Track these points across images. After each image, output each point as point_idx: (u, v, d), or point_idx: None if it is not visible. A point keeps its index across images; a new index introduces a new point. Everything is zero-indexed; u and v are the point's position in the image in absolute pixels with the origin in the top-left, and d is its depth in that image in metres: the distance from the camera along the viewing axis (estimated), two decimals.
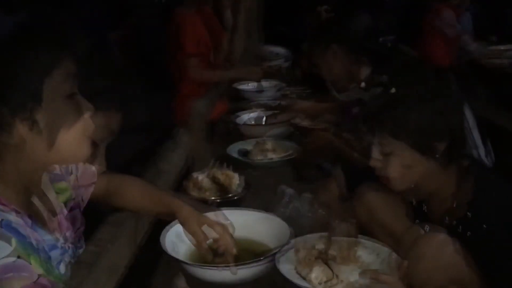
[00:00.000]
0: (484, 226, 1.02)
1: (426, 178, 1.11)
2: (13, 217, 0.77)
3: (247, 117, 2.48)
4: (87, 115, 0.83)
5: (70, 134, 0.82)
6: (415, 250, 1.04)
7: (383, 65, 1.75)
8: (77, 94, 0.83)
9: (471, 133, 1.70)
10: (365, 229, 1.32)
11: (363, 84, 1.83)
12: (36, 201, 0.88)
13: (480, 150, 1.72)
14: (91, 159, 0.97)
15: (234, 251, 1.13)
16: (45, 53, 0.79)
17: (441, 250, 1.02)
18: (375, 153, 1.12)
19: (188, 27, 2.60)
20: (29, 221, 0.81)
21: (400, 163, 1.09)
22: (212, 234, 1.14)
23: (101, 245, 1.03)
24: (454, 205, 1.09)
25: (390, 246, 1.23)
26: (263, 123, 2.43)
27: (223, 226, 1.14)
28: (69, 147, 0.82)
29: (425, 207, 1.20)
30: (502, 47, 4.03)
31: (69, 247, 0.92)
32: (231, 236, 1.15)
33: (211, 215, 1.17)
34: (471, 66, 3.86)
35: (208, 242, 1.15)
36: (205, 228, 1.13)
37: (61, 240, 0.90)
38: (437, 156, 1.07)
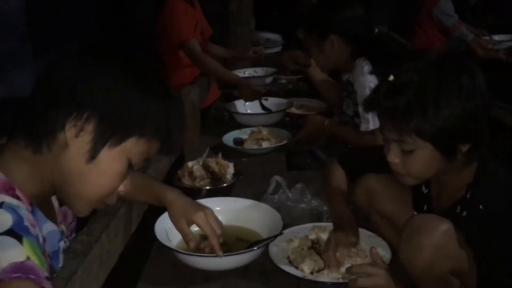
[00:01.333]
0: (480, 207, 1.03)
1: (439, 172, 1.09)
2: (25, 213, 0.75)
3: (243, 105, 2.46)
4: (133, 138, 0.80)
5: (112, 153, 0.79)
6: (416, 239, 1.04)
7: (378, 56, 1.74)
8: None
9: None
10: (365, 216, 1.32)
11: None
12: (54, 200, 0.88)
13: None
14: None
15: (220, 240, 1.15)
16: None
17: (443, 240, 1.02)
18: (394, 150, 1.06)
19: (183, 14, 2.57)
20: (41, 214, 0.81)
21: (420, 162, 1.05)
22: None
23: (94, 234, 1.03)
24: (457, 190, 1.09)
25: (389, 236, 1.24)
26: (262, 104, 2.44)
27: (211, 228, 1.14)
28: (107, 167, 0.80)
29: (427, 190, 1.19)
30: (496, 38, 4.02)
31: (65, 241, 0.92)
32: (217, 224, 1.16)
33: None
34: (467, 57, 3.85)
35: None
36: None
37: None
38: (458, 157, 1.04)
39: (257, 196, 1.49)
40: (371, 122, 1.69)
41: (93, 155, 0.77)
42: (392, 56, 1.78)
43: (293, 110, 2.47)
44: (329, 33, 1.79)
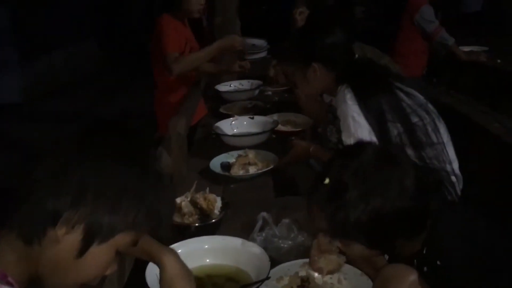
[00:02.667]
0: (438, 262, 1.05)
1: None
2: None
3: (229, 124, 2.49)
4: (123, 233, 0.81)
5: (100, 248, 0.80)
6: (378, 280, 1.10)
7: (360, 81, 1.76)
8: None
9: (445, 149, 1.74)
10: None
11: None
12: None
13: (454, 164, 1.76)
14: None
15: None
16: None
17: (401, 280, 1.05)
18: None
19: (172, 30, 2.61)
20: None
21: (359, 255, 1.11)
22: None
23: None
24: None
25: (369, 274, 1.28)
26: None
27: None
28: (95, 260, 0.80)
29: None
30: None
31: None
32: None
33: None
34: (448, 61, 3.91)
35: None
36: None
37: None
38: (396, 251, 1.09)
39: (246, 227, 1.53)
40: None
41: (82, 252, 0.79)
42: (374, 81, 1.80)
43: (280, 127, 2.50)
44: (311, 61, 1.80)
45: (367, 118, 1.67)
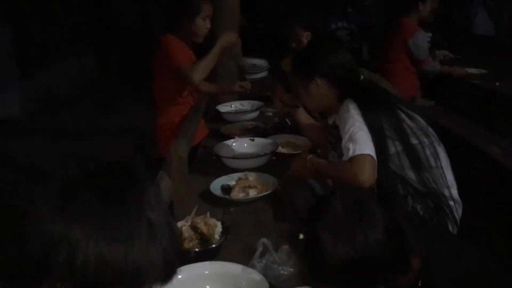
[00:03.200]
0: None
1: None
2: None
3: (230, 146, 2.50)
4: None
5: None
6: None
7: (364, 100, 1.77)
8: None
9: (444, 173, 1.75)
10: None
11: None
12: None
13: (452, 189, 1.77)
14: None
15: None
16: None
17: None
18: None
19: (180, 47, 2.63)
20: None
21: None
22: None
23: None
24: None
25: None
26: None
27: None
28: None
29: None
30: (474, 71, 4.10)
31: None
32: None
33: None
34: (445, 82, 3.95)
35: None
36: None
37: None
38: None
39: (246, 252, 1.53)
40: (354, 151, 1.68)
41: None
42: (377, 100, 1.81)
43: (280, 149, 2.52)
44: (314, 76, 1.82)
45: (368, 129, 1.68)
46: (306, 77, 1.87)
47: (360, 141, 1.65)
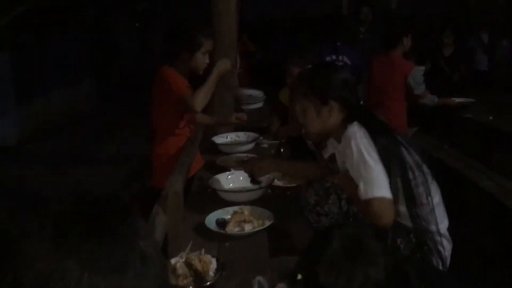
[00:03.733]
0: None
1: None
2: None
3: (225, 178, 2.51)
4: None
5: None
6: None
7: (369, 123, 1.78)
8: None
9: (434, 210, 1.74)
10: None
11: None
12: None
13: (441, 225, 1.76)
14: None
15: None
16: None
17: None
18: None
19: (180, 78, 2.65)
20: None
21: None
22: None
23: None
24: None
25: None
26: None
27: None
28: None
29: None
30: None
31: None
32: None
33: None
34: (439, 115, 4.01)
35: None
36: None
37: None
38: None
39: None
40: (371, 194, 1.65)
41: None
42: (382, 128, 1.81)
43: (275, 182, 2.52)
44: (329, 99, 1.81)
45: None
46: (320, 101, 1.83)
47: (374, 181, 1.63)
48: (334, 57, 4.50)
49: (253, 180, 2.27)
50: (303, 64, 3.15)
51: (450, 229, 1.81)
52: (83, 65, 8.98)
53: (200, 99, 2.56)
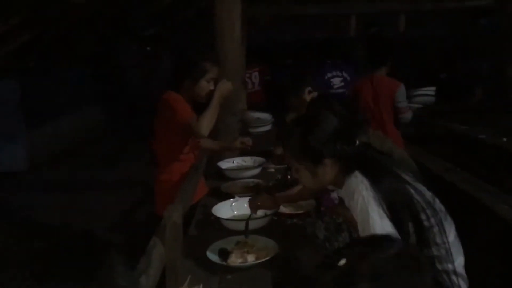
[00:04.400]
0: None
1: None
2: None
3: (229, 206, 2.43)
4: None
5: None
6: None
7: (367, 167, 1.68)
8: None
9: (450, 249, 1.63)
10: None
11: None
12: None
13: (456, 262, 1.65)
14: None
15: None
16: None
17: None
18: None
19: (182, 103, 2.61)
20: None
21: None
22: None
23: None
24: None
25: None
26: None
27: None
28: None
29: None
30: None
31: None
32: None
33: None
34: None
35: None
36: None
37: None
38: None
39: None
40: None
41: None
42: (380, 168, 1.71)
43: (281, 209, 2.44)
44: (323, 159, 1.68)
45: (384, 209, 1.54)
46: (313, 163, 1.70)
47: (381, 229, 1.49)
48: (335, 73, 4.86)
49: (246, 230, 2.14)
50: (306, 86, 3.08)
51: (465, 265, 1.70)
52: (90, 91, 9.05)
53: (205, 123, 2.52)
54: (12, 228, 0.84)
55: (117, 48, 10.06)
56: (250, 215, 2.22)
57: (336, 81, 4.93)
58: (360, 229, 1.57)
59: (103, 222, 4.77)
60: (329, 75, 4.85)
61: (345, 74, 4.84)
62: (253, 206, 2.21)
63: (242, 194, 2.64)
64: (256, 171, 3.10)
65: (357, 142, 1.78)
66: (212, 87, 2.65)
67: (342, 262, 0.94)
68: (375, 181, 1.59)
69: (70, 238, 0.82)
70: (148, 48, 11.53)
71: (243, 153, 3.36)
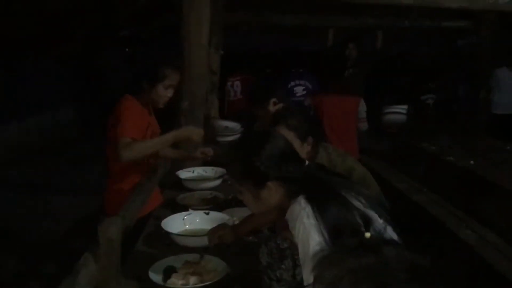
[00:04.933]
0: None
1: None
2: None
3: (181, 220, 2.29)
4: None
5: None
6: None
7: (314, 191, 1.58)
8: None
9: None
10: None
11: None
12: None
13: None
14: None
15: None
16: None
17: None
18: None
19: (133, 113, 2.44)
20: None
21: None
22: None
23: None
24: None
25: None
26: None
27: None
28: None
29: None
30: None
31: None
32: None
33: None
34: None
35: None
36: None
37: None
38: None
39: None
40: None
41: None
42: (327, 193, 1.61)
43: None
44: (266, 182, 1.56)
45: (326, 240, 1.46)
46: (256, 186, 1.59)
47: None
48: (298, 81, 5.08)
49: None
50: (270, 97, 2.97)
51: None
52: (64, 91, 8.83)
53: (131, 152, 2.31)
54: None
55: (96, 48, 9.87)
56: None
57: (299, 90, 5.15)
58: (300, 257, 1.46)
59: (63, 225, 4.61)
60: (292, 83, 5.08)
61: (307, 83, 5.08)
62: (212, 239, 2.01)
63: (197, 206, 2.51)
64: (216, 182, 2.96)
65: (306, 162, 1.69)
66: (170, 94, 2.51)
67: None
68: (320, 208, 1.49)
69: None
70: (126, 49, 11.36)
71: (205, 162, 3.24)
